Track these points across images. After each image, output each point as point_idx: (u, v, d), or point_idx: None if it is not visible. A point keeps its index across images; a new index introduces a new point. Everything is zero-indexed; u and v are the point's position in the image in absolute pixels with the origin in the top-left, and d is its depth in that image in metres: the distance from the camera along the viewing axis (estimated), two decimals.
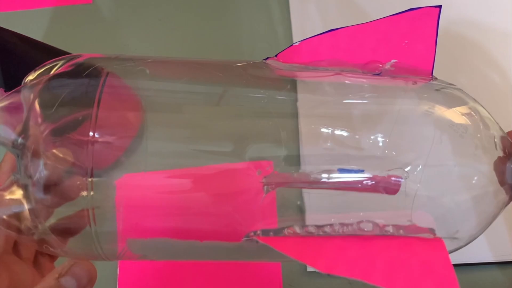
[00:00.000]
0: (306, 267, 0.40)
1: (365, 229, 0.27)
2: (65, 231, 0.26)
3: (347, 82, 0.30)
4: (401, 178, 0.27)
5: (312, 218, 0.28)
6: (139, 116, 0.28)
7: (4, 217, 0.24)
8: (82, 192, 0.24)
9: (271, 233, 0.27)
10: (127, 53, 0.48)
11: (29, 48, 0.35)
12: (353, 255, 0.25)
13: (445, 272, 0.23)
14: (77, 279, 0.24)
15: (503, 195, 0.28)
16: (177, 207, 0.27)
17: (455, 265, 0.24)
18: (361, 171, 0.27)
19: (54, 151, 0.24)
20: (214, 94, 0.30)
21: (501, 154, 0.28)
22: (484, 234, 0.30)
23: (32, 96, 0.25)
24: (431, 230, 0.27)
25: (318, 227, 0.27)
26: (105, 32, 0.49)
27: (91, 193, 0.24)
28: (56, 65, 0.27)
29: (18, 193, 0.24)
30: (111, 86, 0.27)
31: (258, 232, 0.27)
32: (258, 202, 0.27)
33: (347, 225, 0.27)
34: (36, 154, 0.24)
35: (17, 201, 0.24)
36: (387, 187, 0.27)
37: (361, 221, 0.27)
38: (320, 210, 0.29)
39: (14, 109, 0.25)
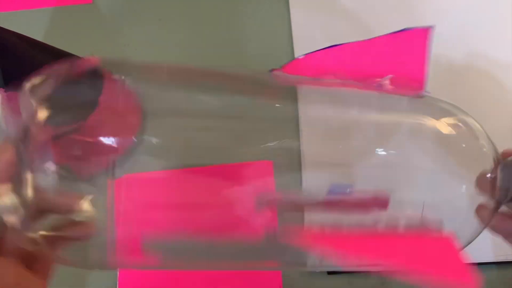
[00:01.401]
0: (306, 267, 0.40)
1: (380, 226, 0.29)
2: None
3: (346, 92, 0.32)
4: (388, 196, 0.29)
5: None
6: (139, 117, 0.29)
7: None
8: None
9: None
10: (127, 52, 0.48)
11: (29, 48, 0.35)
12: (374, 243, 0.27)
13: (457, 261, 0.26)
14: None
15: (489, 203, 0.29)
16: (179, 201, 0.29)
17: None
18: (350, 185, 0.29)
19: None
20: (220, 100, 0.31)
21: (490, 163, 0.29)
22: (484, 234, 0.30)
23: (35, 101, 0.26)
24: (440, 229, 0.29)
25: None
26: (105, 32, 0.49)
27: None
28: (58, 69, 0.28)
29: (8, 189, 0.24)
30: (111, 89, 0.28)
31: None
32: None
33: (363, 224, 0.29)
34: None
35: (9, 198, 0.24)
36: (377, 202, 0.29)
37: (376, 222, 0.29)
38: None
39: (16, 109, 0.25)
